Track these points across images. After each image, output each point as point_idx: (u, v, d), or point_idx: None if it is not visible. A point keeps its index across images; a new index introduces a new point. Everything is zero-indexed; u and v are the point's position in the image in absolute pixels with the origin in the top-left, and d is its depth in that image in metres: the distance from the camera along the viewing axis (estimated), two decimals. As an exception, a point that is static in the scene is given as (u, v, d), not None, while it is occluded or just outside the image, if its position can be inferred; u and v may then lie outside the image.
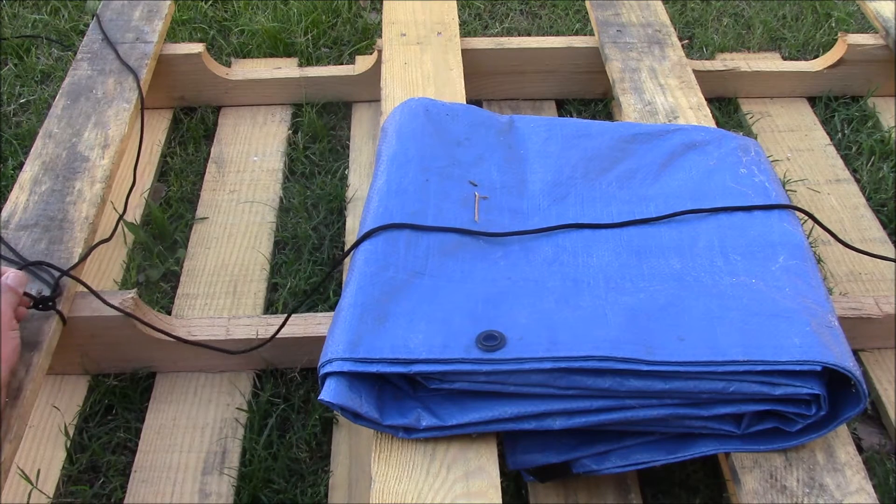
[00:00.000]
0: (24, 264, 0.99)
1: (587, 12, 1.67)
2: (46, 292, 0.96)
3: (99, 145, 1.19)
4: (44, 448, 1.03)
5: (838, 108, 1.55)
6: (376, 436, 0.82)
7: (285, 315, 1.02)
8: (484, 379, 0.80)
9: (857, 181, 1.41)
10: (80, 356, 1.07)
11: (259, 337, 1.05)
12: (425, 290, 0.88)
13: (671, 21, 1.48)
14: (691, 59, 1.59)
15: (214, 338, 1.05)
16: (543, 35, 1.71)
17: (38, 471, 1.01)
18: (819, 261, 1.25)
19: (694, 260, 0.93)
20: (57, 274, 0.98)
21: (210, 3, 1.80)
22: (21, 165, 1.27)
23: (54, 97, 1.34)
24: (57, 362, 1.02)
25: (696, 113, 1.25)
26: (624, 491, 0.97)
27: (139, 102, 1.28)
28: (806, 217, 1.01)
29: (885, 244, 1.30)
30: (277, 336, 1.05)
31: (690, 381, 0.80)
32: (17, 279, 0.88)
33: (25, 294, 0.90)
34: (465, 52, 1.41)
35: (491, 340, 0.81)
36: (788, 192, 1.35)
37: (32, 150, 1.19)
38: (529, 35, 1.72)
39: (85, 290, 1.01)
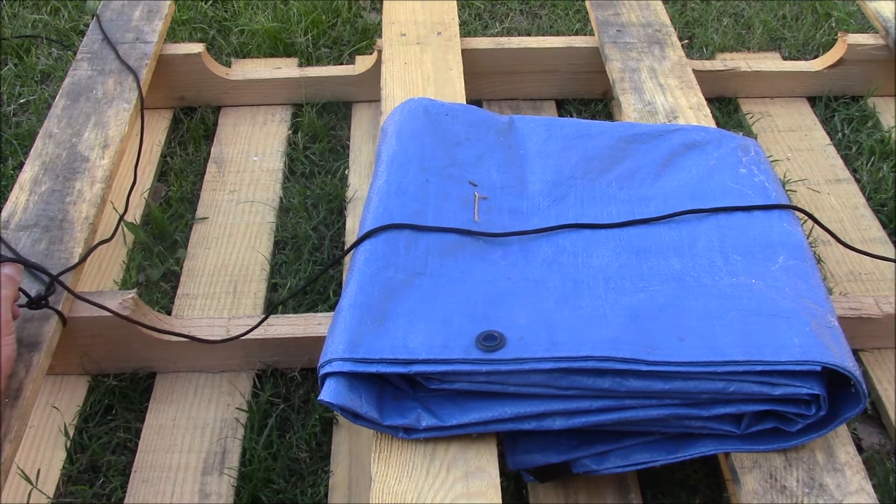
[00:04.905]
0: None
1: (587, 12, 1.67)
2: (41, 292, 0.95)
3: (99, 145, 1.19)
4: (44, 448, 1.03)
5: (838, 108, 1.55)
6: (376, 436, 0.82)
7: (286, 314, 1.03)
8: (484, 379, 0.80)
9: (857, 181, 1.41)
10: (81, 356, 1.07)
11: (258, 337, 1.05)
12: (425, 291, 0.88)
13: (671, 21, 1.48)
14: (691, 59, 1.59)
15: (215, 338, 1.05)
16: (543, 35, 1.71)
17: (38, 471, 1.01)
18: (819, 261, 1.25)
19: (694, 260, 0.93)
20: (53, 272, 0.98)
21: (210, 3, 1.80)
22: (21, 165, 1.28)
23: (54, 97, 1.34)
24: (57, 362, 1.02)
25: (696, 113, 1.25)
26: (624, 491, 0.97)
27: (139, 102, 1.29)
28: (806, 217, 1.01)
29: (885, 244, 1.30)
30: (277, 336, 1.06)
31: (690, 381, 0.80)
32: (14, 269, 0.87)
33: (20, 290, 0.90)
34: (465, 52, 1.41)
35: (491, 341, 0.81)
36: (788, 192, 1.35)
37: (32, 150, 1.19)
38: (529, 35, 1.72)
39: (85, 289, 1.01)
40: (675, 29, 1.50)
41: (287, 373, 1.11)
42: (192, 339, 1.03)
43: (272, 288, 1.23)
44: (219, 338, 1.03)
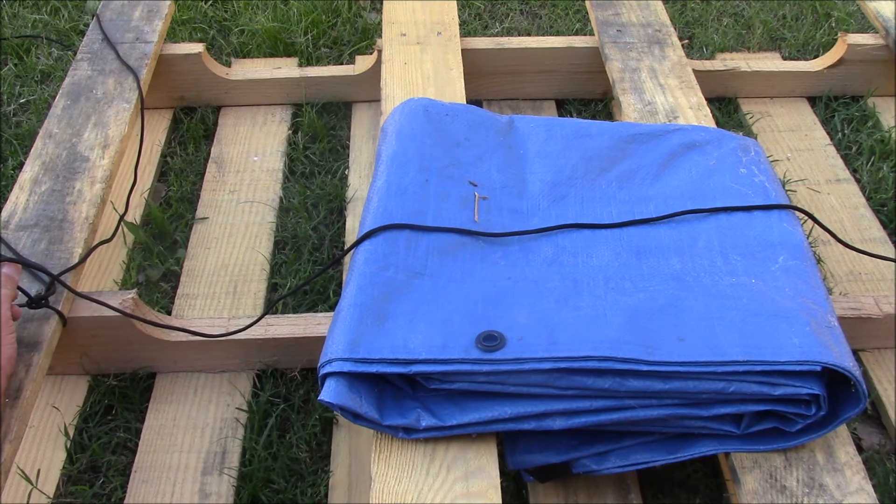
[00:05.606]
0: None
1: (587, 12, 1.67)
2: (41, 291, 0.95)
3: (99, 145, 1.19)
4: (44, 448, 1.03)
5: (838, 108, 1.55)
6: (376, 436, 0.82)
7: (286, 314, 1.02)
8: (483, 379, 0.80)
9: (857, 181, 1.41)
10: (81, 356, 1.07)
11: (258, 337, 1.05)
12: (425, 291, 0.88)
13: (671, 21, 1.48)
14: (691, 59, 1.59)
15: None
16: (543, 35, 1.71)
17: (38, 471, 1.01)
18: (819, 261, 1.25)
19: (694, 260, 0.93)
20: (53, 272, 0.98)
21: (210, 3, 1.80)
22: (21, 165, 1.28)
23: (54, 97, 1.34)
24: (57, 362, 1.02)
25: (696, 113, 1.25)
26: (624, 491, 0.97)
27: (139, 102, 1.28)
28: (806, 217, 1.01)
29: (885, 244, 1.30)
30: (277, 336, 1.06)
31: (690, 381, 0.80)
32: (13, 268, 0.88)
33: (19, 288, 0.90)
34: (465, 52, 1.41)
35: (490, 341, 0.81)
36: (788, 192, 1.35)
37: (32, 150, 1.19)
38: (529, 35, 1.72)
39: (85, 289, 1.01)
40: (675, 29, 1.50)
41: (287, 373, 1.11)
42: (190, 332, 1.02)
43: (272, 288, 1.23)
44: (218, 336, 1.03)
